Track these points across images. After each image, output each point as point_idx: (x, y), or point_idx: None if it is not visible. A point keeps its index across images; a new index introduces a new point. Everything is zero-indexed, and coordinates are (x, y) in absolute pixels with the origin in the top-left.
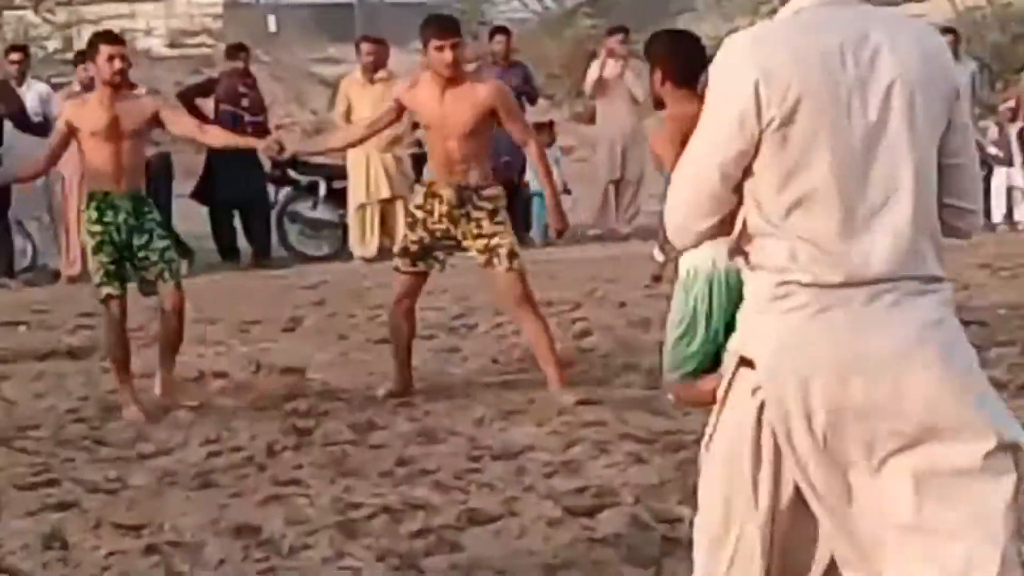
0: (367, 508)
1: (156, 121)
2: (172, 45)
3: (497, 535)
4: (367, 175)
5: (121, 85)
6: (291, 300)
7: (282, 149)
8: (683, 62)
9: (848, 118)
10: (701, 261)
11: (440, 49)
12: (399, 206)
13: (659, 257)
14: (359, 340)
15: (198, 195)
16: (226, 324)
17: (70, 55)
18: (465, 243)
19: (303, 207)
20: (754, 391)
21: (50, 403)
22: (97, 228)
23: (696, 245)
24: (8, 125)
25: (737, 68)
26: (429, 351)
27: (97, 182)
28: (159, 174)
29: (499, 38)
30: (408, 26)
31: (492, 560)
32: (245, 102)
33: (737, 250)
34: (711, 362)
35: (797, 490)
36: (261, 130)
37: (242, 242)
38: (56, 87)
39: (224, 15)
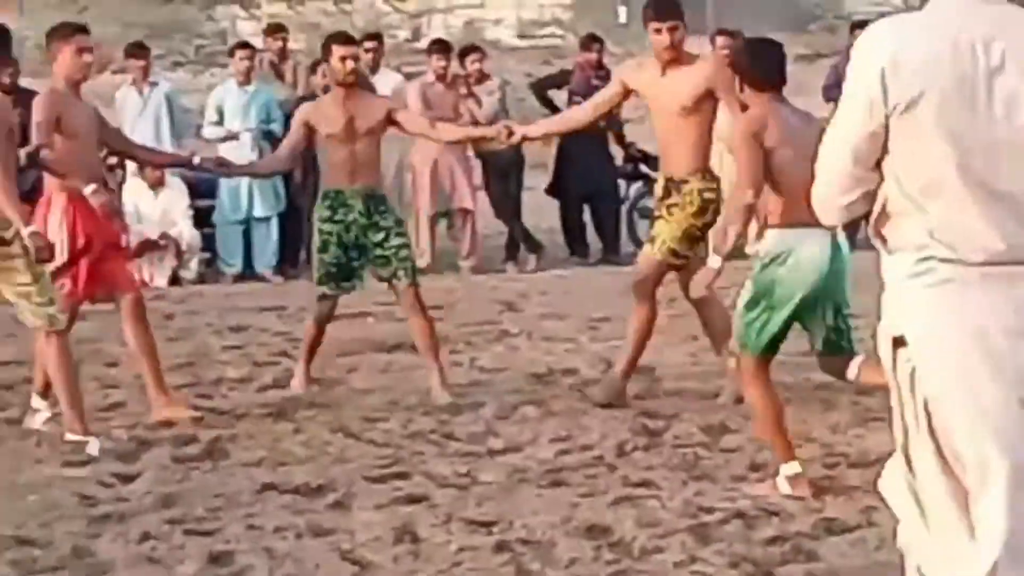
0: (720, 512)
1: (390, 121)
2: (522, 36)
3: (854, 545)
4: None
5: (354, 84)
6: None
7: (511, 134)
8: (761, 68)
9: (973, 110)
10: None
11: (658, 32)
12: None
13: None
14: (708, 343)
15: (552, 190)
16: (575, 320)
17: (419, 44)
18: None
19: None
20: (906, 362)
21: (397, 395)
22: (326, 227)
23: (841, 222)
24: None
25: (868, 55)
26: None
27: (332, 180)
28: (510, 166)
29: (858, 32)
30: (763, 17)
31: (850, 571)
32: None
33: (876, 232)
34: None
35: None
36: (618, 124)
37: (591, 237)
38: (407, 76)
39: (574, 5)
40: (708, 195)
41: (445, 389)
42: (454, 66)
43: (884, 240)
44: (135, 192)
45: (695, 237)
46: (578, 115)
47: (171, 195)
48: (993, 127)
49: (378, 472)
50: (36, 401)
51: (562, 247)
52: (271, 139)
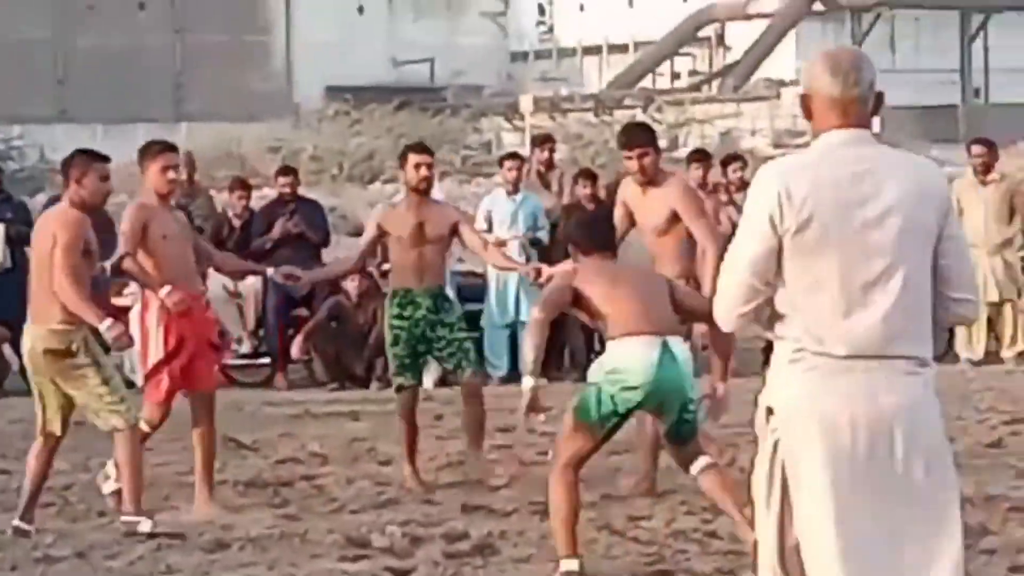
0: None
1: (455, 230)
2: (776, 145)
3: None
4: None
5: (427, 191)
6: None
7: (539, 274)
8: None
9: (851, 230)
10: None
11: (629, 158)
12: (1008, 309)
13: None
14: (968, 443)
15: None
16: None
17: (677, 153)
18: None
19: None
20: (772, 431)
21: (660, 494)
22: (396, 323)
23: (738, 330)
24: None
25: (765, 188)
26: None
27: (400, 280)
28: None
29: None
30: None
31: None
32: None
33: (768, 326)
34: None
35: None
36: None
37: None
38: None
39: None
40: None
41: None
42: (714, 174)
43: (773, 330)
44: None
45: None
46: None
47: None
48: (868, 247)
49: (643, 570)
50: (110, 468)
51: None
52: (538, 246)
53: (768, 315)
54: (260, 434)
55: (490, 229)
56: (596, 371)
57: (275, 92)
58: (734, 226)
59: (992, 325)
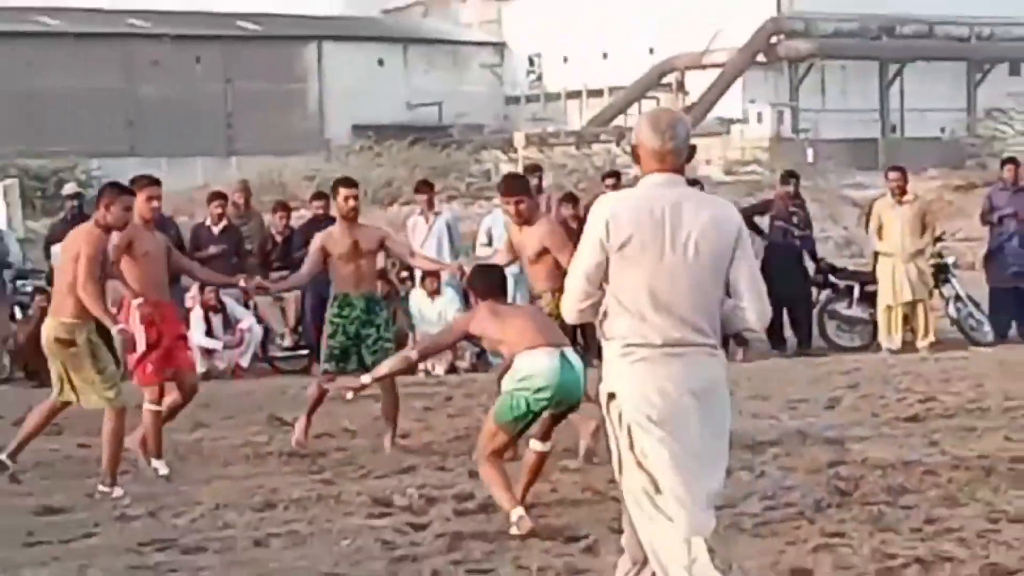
0: (902, 559)
1: (383, 245)
2: (728, 172)
3: None
4: (892, 280)
5: (355, 218)
6: (830, 383)
7: (463, 273)
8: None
9: (661, 249)
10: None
11: (507, 203)
12: (920, 307)
13: None
14: (889, 418)
15: None
16: (776, 401)
17: None
18: None
19: (840, 306)
20: (617, 408)
21: None
22: (335, 319)
23: (578, 322)
24: None
25: (599, 213)
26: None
27: (341, 287)
28: None
29: (1008, 167)
30: (924, 157)
31: None
32: (795, 219)
33: (600, 327)
34: None
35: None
36: (811, 243)
37: (788, 333)
38: None
39: (770, 148)
40: None
41: (394, 448)
42: None
43: (604, 332)
44: (418, 299)
45: None
46: (500, 257)
47: (445, 301)
48: (674, 263)
49: (620, 524)
50: (156, 463)
51: (764, 342)
52: None
53: (601, 317)
54: (300, 413)
55: (490, 243)
56: (508, 382)
57: (310, 130)
58: None
59: (907, 320)
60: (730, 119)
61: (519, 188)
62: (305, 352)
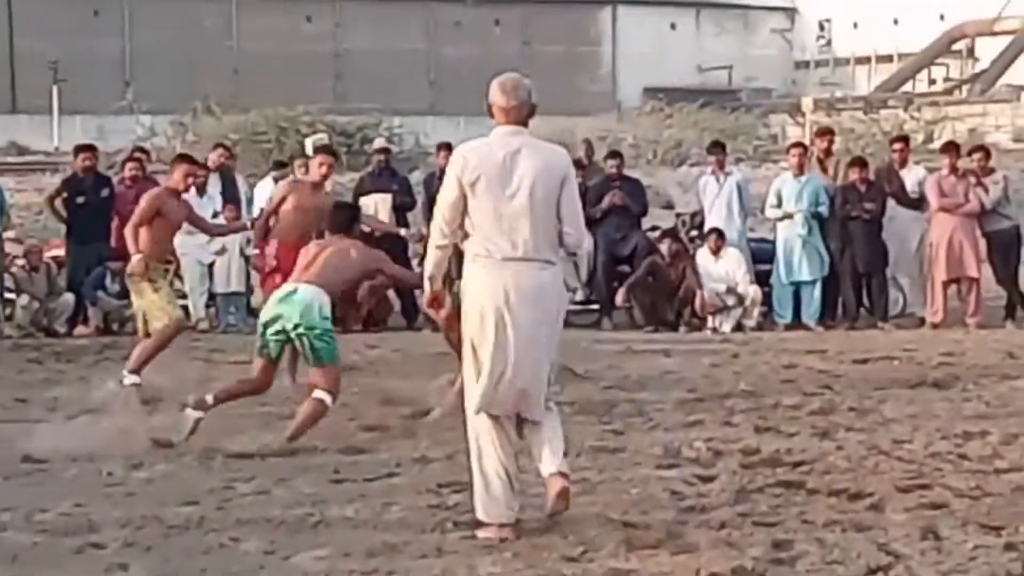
0: None
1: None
2: (1016, 139)
3: None
4: None
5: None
6: None
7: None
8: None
9: (502, 186)
10: None
11: None
12: None
13: None
14: None
15: None
16: None
17: (933, 145)
18: None
19: None
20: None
21: (920, 422)
22: None
23: (449, 241)
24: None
25: (455, 160)
26: None
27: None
28: (1012, 241)
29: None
30: None
31: None
32: None
33: (462, 241)
34: None
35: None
36: None
37: None
38: (929, 171)
39: None
40: None
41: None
42: (963, 162)
43: (464, 248)
44: (703, 257)
45: None
46: None
47: (731, 260)
48: (513, 198)
49: (906, 483)
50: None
51: None
52: (819, 219)
53: (462, 236)
54: (591, 365)
55: (779, 204)
56: None
57: (603, 92)
58: (982, 204)
59: None
60: (1020, 86)
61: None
62: (596, 307)
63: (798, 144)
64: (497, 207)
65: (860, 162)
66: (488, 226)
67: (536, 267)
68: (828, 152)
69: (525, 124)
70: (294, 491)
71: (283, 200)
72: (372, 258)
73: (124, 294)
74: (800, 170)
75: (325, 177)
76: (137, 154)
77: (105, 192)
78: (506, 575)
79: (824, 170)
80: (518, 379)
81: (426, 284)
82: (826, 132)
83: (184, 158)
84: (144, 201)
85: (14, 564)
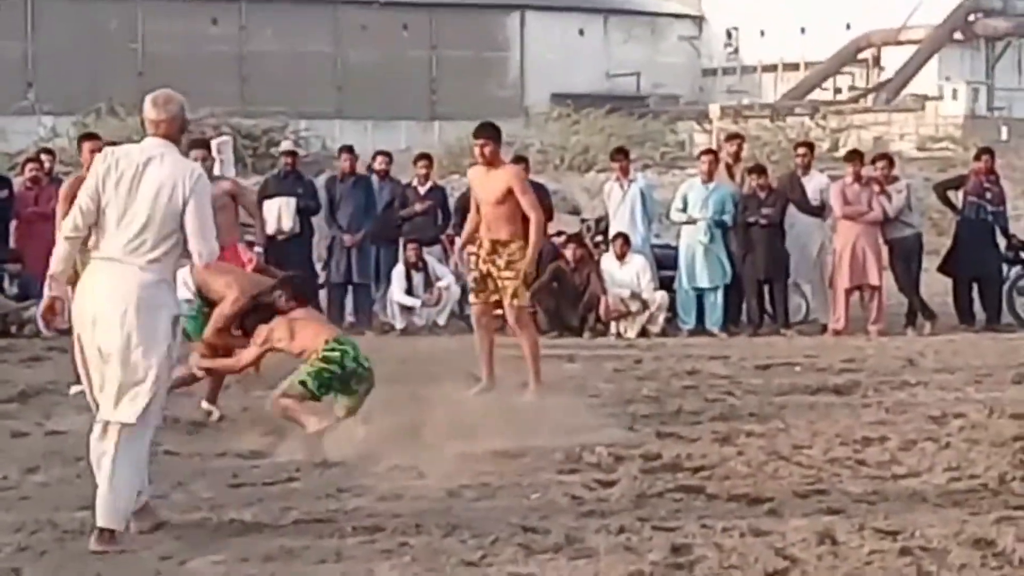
0: None
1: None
2: (921, 148)
3: None
4: None
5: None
6: (1018, 358)
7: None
8: None
9: (128, 192)
10: None
11: (476, 146)
12: None
13: None
14: None
15: (943, 269)
16: (962, 375)
17: (838, 153)
18: None
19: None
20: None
21: (819, 428)
22: None
23: (72, 248)
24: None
25: (100, 160)
26: None
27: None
28: (912, 250)
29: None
30: None
31: None
32: (988, 195)
33: (86, 242)
34: None
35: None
36: (1004, 219)
37: (977, 308)
38: (832, 179)
39: (964, 125)
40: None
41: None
42: (867, 170)
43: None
44: (608, 262)
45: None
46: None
47: (636, 265)
48: (132, 199)
49: (804, 488)
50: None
51: (953, 316)
52: (722, 227)
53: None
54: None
55: (685, 209)
56: None
57: (510, 98)
58: (885, 213)
59: None
60: (924, 95)
61: (487, 133)
62: (500, 312)
63: (709, 151)
64: (122, 210)
65: (759, 169)
66: (109, 226)
67: (139, 267)
68: (737, 157)
69: (173, 139)
70: (191, 495)
71: None
72: None
73: (23, 296)
74: (709, 177)
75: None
76: (42, 155)
77: (3, 193)
78: None
79: (732, 176)
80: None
81: (47, 286)
82: (735, 137)
83: (87, 136)
84: (62, 189)
85: None
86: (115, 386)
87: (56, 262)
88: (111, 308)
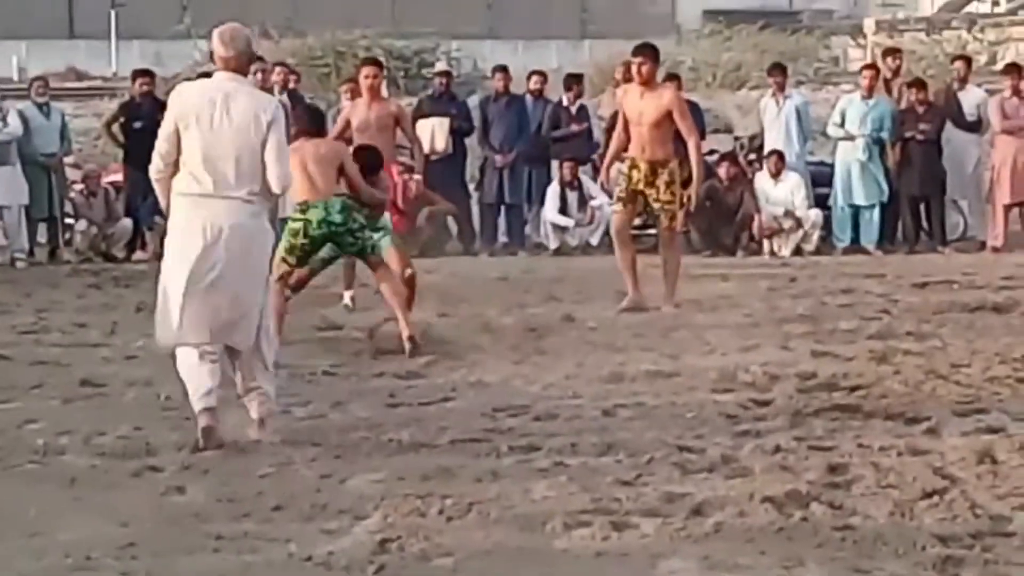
0: None
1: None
2: None
3: None
4: None
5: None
6: None
7: None
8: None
9: (211, 125)
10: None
11: (633, 64)
12: None
13: None
14: None
15: None
16: None
17: (996, 67)
18: None
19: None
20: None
21: (978, 347)
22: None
23: (164, 174)
24: None
25: (174, 97)
26: None
27: None
28: None
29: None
30: None
31: None
32: None
33: (173, 175)
34: None
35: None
36: None
37: None
38: (989, 93)
39: None
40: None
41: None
42: None
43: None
44: (763, 180)
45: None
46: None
47: (790, 183)
48: (220, 133)
49: (963, 407)
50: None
51: None
52: (880, 144)
53: (175, 171)
54: (647, 289)
55: (842, 124)
56: None
57: (662, 15)
58: None
59: None
60: None
61: (644, 49)
62: (653, 232)
63: (871, 66)
64: (208, 145)
65: (919, 83)
66: (194, 162)
67: (236, 204)
68: (896, 72)
69: (243, 72)
70: (349, 415)
71: (347, 125)
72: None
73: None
74: (870, 92)
75: (374, 88)
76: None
77: (162, 117)
78: (560, 499)
79: (889, 91)
80: (222, 311)
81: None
82: (894, 51)
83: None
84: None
85: (72, 486)
86: (224, 315)
87: (162, 200)
88: (212, 242)
